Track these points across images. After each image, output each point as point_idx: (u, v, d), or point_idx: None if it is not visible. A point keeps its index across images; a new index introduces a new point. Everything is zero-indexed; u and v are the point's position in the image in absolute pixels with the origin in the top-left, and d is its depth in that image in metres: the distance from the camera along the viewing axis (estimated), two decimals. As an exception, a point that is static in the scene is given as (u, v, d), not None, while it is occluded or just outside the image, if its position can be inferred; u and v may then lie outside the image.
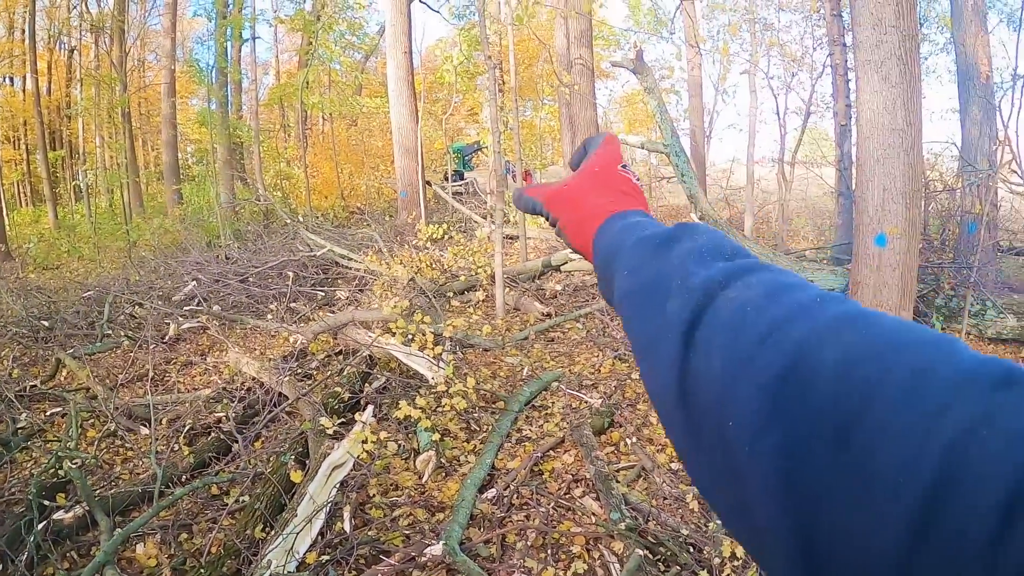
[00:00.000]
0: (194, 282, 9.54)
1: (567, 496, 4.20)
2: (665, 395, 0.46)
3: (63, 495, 4.17)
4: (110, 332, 7.94)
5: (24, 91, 24.44)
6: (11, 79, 25.80)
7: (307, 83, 18.86)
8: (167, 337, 7.64)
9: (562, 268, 9.82)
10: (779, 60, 17.38)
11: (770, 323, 0.40)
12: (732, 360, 0.40)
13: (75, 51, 24.53)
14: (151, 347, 7.16)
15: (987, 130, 9.54)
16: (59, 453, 4.41)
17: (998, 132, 9.27)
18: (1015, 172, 8.00)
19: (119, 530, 3.67)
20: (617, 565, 3.53)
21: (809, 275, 7.76)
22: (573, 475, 4.42)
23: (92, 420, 5.62)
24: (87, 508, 4.00)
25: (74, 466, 4.23)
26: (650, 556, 3.52)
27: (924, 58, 16.44)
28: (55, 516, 3.98)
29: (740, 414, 0.38)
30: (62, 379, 6.79)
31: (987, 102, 9.52)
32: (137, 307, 8.74)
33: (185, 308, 8.51)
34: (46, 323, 8.19)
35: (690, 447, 0.44)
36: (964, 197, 9.05)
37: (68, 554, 3.83)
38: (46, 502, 4.05)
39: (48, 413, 5.89)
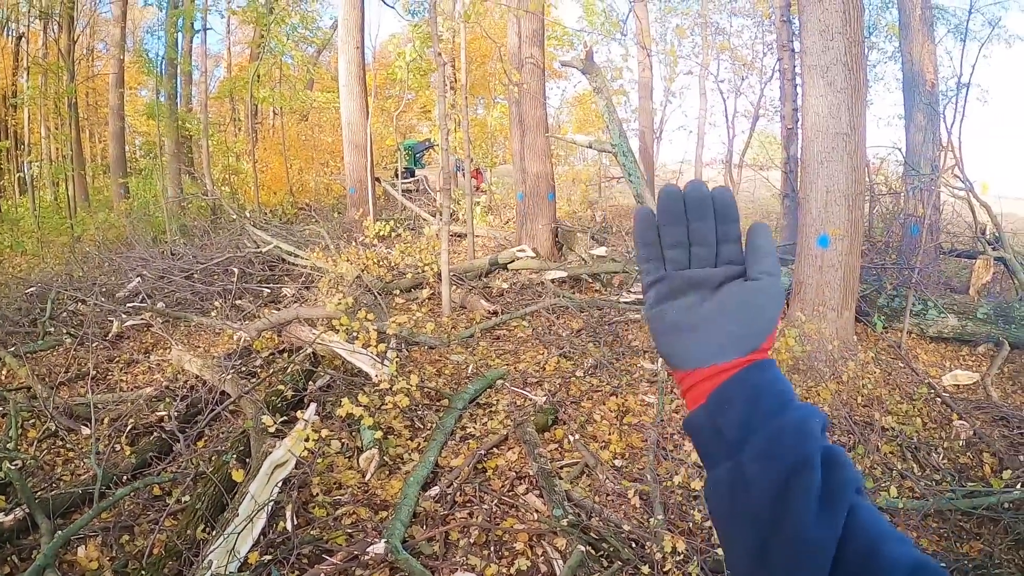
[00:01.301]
0: (139, 278, 9.35)
1: (510, 493, 4.26)
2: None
3: (2, 497, 4.09)
4: (52, 329, 7.75)
5: (-32, 80, 23.62)
6: (-45, 67, 24.88)
7: (258, 77, 18.56)
8: (110, 335, 7.49)
9: (509, 266, 9.89)
10: (729, 64, 17.72)
11: None
12: None
13: (23, 38, 23.75)
14: (93, 345, 7.03)
15: (931, 136, 9.87)
16: (-2, 454, 4.32)
17: (942, 138, 9.59)
18: (957, 177, 8.29)
19: (60, 532, 3.61)
20: (560, 561, 3.59)
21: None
22: (517, 472, 4.48)
23: (32, 420, 5.48)
24: (27, 510, 3.93)
25: (13, 467, 4.15)
26: (592, 552, 3.59)
27: (872, 65, 16.90)
28: (-6, 519, 3.90)
29: None
30: (2, 378, 6.60)
31: (932, 109, 9.84)
32: (80, 304, 8.53)
33: (129, 305, 8.33)
34: (-14, 320, 7.96)
35: None
36: (907, 200, 9.34)
37: (8, 558, 3.76)
38: (-15, 504, 3.97)
39: (-13, 413, 5.73)
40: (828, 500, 0.57)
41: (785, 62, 12.45)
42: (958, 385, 6.47)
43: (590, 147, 9.65)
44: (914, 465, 4.88)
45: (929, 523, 4.13)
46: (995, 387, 6.32)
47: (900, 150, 9.69)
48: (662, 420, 5.20)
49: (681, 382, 0.70)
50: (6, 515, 3.94)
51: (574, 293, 8.93)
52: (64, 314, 8.31)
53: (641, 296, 8.24)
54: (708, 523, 3.86)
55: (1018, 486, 4.40)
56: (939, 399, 5.98)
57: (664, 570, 3.42)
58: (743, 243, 0.71)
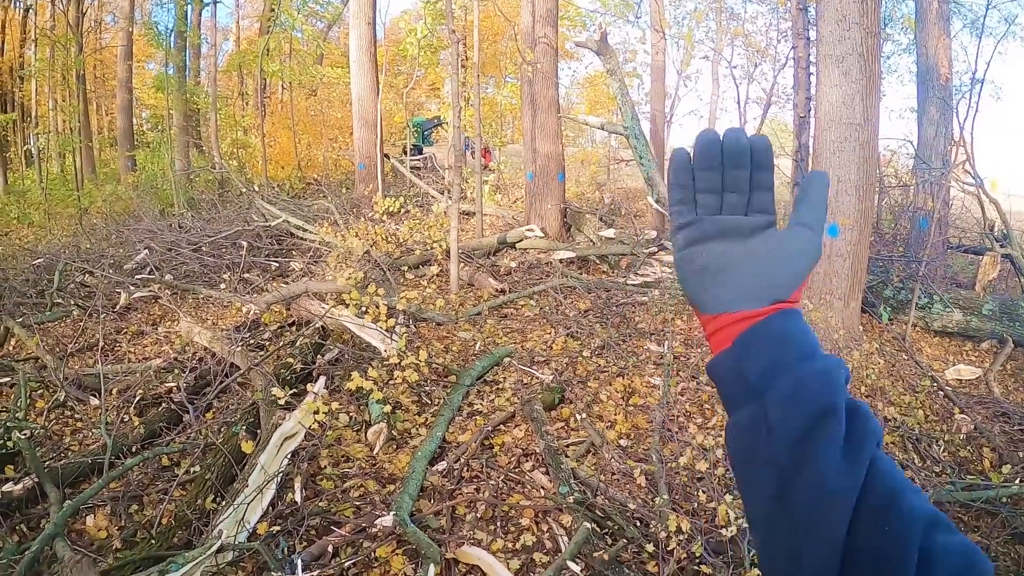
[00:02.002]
0: (146, 250, 9.36)
1: (517, 470, 4.28)
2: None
3: (11, 467, 4.12)
4: (60, 301, 7.77)
5: (-25, 51, 23.56)
6: (-38, 39, 24.80)
7: (268, 50, 18.48)
8: (118, 306, 7.51)
9: (517, 246, 9.89)
10: (743, 50, 17.59)
11: None
12: None
13: (31, 10, 23.64)
14: (102, 316, 7.04)
15: (943, 130, 9.82)
16: (7, 424, 4.33)
17: (954, 133, 9.54)
18: (968, 172, 8.24)
19: (69, 502, 3.63)
20: (565, 538, 3.62)
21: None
22: (523, 449, 4.50)
23: (41, 390, 5.50)
24: (36, 480, 3.96)
25: (23, 437, 4.16)
26: (598, 529, 3.62)
27: (886, 57, 16.76)
28: (3, 488, 3.93)
29: None
30: (10, 348, 6.64)
31: (945, 103, 9.78)
32: (88, 275, 8.55)
33: (137, 277, 8.35)
34: (-6, 291, 7.98)
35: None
36: (917, 194, 9.31)
37: (17, 527, 3.78)
38: (-5, 474, 4.00)
39: (-4, 383, 5.77)
40: (851, 449, 0.57)
41: (800, 50, 12.33)
42: (961, 379, 6.47)
43: (602, 128, 9.62)
44: (915, 456, 4.90)
45: (928, 514, 4.15)
46: (997, 383, 6.32)
47: (911, 143, 9.65)
48: (668, 402, 5.21)
49: (706, 326, 0.69)
50: (15, 484, 3.97)
51: (582, 274, 8.94)
52: (72, 286, 8.33)
53: (648, 279, 8.24)
54: (712, 504, 3.88)
55: (1017, 481, 4.42)
56: (941, 392, 5.99)
57: (668, 549, 3.44)
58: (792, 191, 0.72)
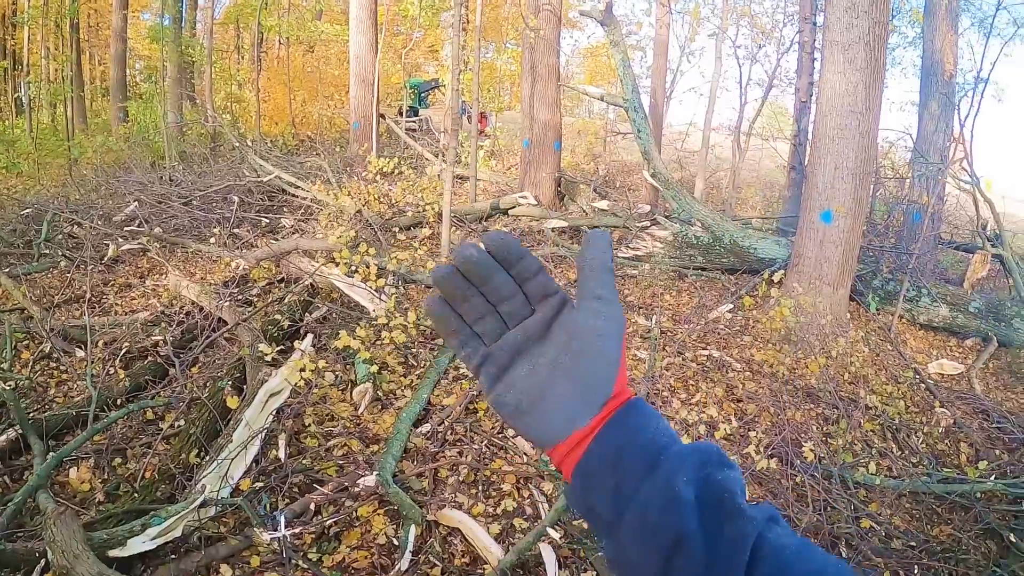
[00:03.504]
0: (136, 203, 9.28)
1: (500, 435, 4.31)
2: None
3: (-5, 418, 4.11)
4: (47, 251, 7.70)
5: (-34, -3, 23.09)
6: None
7: (266, 4, 18.20)
8: (106, 258, 7.45)
9: (510, 212, 9.87)
10: (748, 30, 17.42)
11: None
12: None
13: (26, -43, 23.17)
14: (89, 268, 7.00)
15: (943, 126, 9.80)
16: (-8, 374, 4.33)
17: (953, 130, 9.52)
18: (965, 170, 8.25)
19: (52, 454, 3.62)
20: (546, 504, 3.66)
21: (754, 242, 7.93)
22: (508, 416, 4.52)
23: (27, 341, 5.47)
24: (20, 431, 3.95)
25: (7, 388, 4.14)
26: (579, 510, 3.64)
27: (892, 49, 16.68)
28: (-13, 440, 3.92)
29: None
30: (-4, 299, 6.60)
31: (947, 99, 9.75)
32: (76, 226, 8.47)
33: (126, 229, 8.28)
34: (-19, 241, 7.91)
35: None
36: (913, 187, 9.33)
37: (0, 478, 3.78)
38: (-22, 425, 3.98)
39: (-19, 334, 5.73)
40: (720, 565, 0.52)
41: (805, 35, 12.28)
42: (943, 374, 6.54)
43: (602, 99, 9.54)
44: (893, 445, 4.96)
45: (903, 503, 4.23)
46: (979, 380, 6.38)
47: (910, 136, 9.63)
48: (653, 376, 5.24)
49: (552, 459, 0.62)
50: (-1, 436, 3.96)
51: (573, 244, 8.94)
52: (60, 236, 8.26)
53: (639, 253, 8.24)
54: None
55: (992, 478, 4.48)
56: (923, 385, 6.05)
57: (648, 519, 3.47)
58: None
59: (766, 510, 0.55)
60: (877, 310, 7.46)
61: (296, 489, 3.67)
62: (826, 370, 5.58)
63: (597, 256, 0.62)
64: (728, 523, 0.53)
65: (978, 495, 4.25)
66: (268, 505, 3.48)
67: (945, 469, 4.69)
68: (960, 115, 9.18)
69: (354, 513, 3.44)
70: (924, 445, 5.02)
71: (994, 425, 5.49)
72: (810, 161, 6.96)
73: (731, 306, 7.00)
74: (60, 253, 7.60)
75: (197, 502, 3.16)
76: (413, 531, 3.27)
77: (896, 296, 7.31)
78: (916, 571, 3.57)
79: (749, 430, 4.64)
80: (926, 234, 7.81)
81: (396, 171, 10.45)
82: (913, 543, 3.78)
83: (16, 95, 22.63)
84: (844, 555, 3.50)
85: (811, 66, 11.94)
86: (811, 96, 11.49)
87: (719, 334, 6.41)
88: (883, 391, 5.64)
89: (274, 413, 4.05)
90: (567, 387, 0.60)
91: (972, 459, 4.82)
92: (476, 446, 4.13)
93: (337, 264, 5.90)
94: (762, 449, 4.26)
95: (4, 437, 3.96)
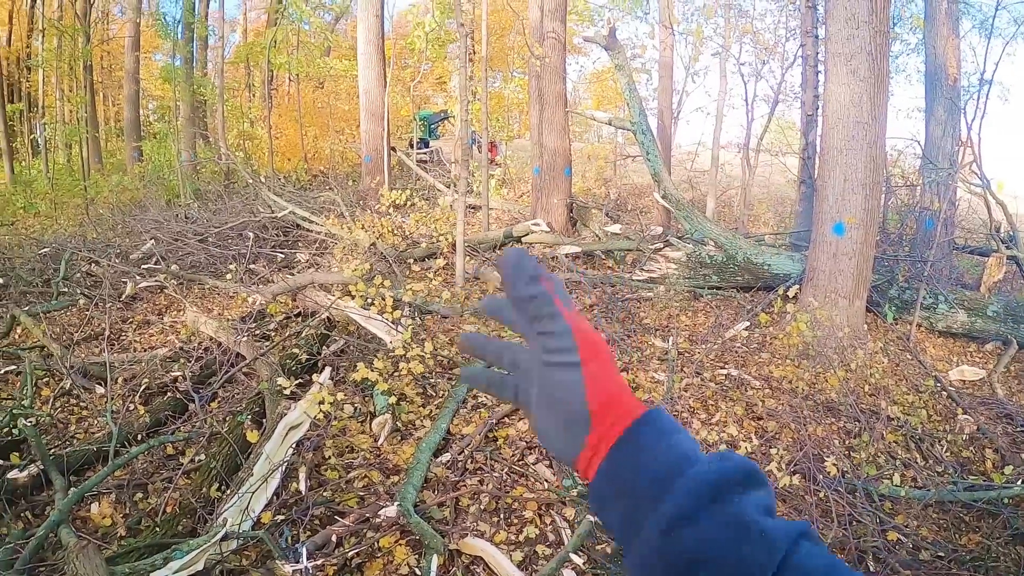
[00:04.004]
0: (152, 240, 9.39)
1: (520, 462, 4.29)
2: None
3: (17, 454, 4.13)
4: (66, 290, 7.80)
5: (-17, 40, 23.62)
6: (-30, 28, 24.85)
7: (275, 42, 18.50)
8: (124, 296, 7.54)
9: (523, 239, 9.88)
10: (751, 47, 17.53)
11: None
12: None
13: (38, 0, 23.67)
14: (108, 305, 7.07)
15: (951, 131, 9.80)
16: (13, 411, 4.36)
17: (961, 133, 9.51)
18: (975, 173, 8.21)
19: (74, 489, 3.64)
20: (568, 531, 3.63)
21: (768, 258, 7.92)
22: (527, 442, 4.51)
23: (47, 378, 5.54)
24: (42, 467, 3.97)
25: (29, 424, 4.18)
26: (600, 523, 3.62)
27: (894, 56, 16.73)
28: (9, 475, 3.94)
29: None
30: (16, 337, 6.66)
31: (953, 104, 9.76)
32: (94, 265, 8.58)
33: (143, 267, 8.38)
34: (0, 280, 8.01)
35: None
36: (923, 194, 9.29)
37: (22, 514, 3.80)
38: (0, 460, 4.01)
39: (2, 371, 5.78)
40: None
41: (808, 48, 12.34)
42: (964, 380, 6.46)
43: (609, 124, 9.60)
44: (917, 455, 4.90)
45: (930, 513, 4.16)
46: (1001, 385, 6.30)
47: (918, 143, 9.62)
48: (672, 397, 5.22)
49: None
50: (21, 471, 3.98)
51: (587, 269, 8.94)
52: (78, 275, 8.36)
53: (654, 275, 8.23)
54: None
55: (1019, 483, 4.39)
56: (945, 392, 5.98)
57: (670, 544, 3.44)
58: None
59: (796, 527, 0.53)
60: (895, 320, 7.40)
61: (317, 521, 3.67)
62: (846, 383, 5.53)
63: (513, 275, 0.61)
64: (747, 546, 0.51)
65: (1005, 501, 4.18)
66: (290, 537, 3.47)
67: (971, 476, 4.62)
68: (967, 118, 9.15)
69: (376, 544, 3.43)
70: (948, 453, 4.95)
71: (1019, 429, 5.40)
72: (820, 174, 6.96)
73: (747, 324, 6.97)
74: (79, 291, 7.69)
75: (219, 535, 3.16)
76: (435, 561, 3.25)
77: (913, 305, 7.25)
78: (947, 585, 3.51)
79: (770, 447, 4.60)
80: (940, 240, 7.75)
81: (409, 203, 10.54)
82: (942, 553, 3.72)
83: (32, 136, 23.05)
84: (872, 569, 3.45)
85: (815, 79, 11.97)
86: (817, 109, 11.51)
87: (737, 352, 6.38)
88: (904, 401, 5.58)
89: (294, 446, 4.06)
90: (552, 424, 0.61)
91: (998, 465, 4.74)
92: (497, 474, 4.12)
93: (353, 297, 5.93)
94: (784, 466, 4.22)
95: (26, 473, 3.98)
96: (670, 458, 0.57)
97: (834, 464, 4.28)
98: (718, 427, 4.83)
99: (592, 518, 3.54)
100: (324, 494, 3.86)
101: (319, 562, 3.27)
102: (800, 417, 4.93)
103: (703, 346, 6.37)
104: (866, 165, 6.38)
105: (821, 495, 4.09)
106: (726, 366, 6.00)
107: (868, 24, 6.22)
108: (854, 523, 3.85)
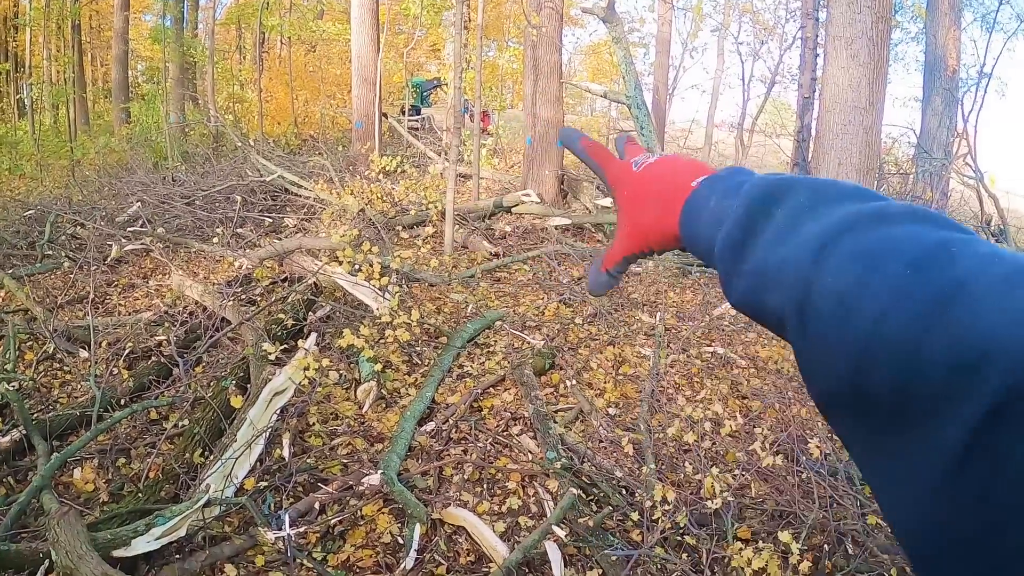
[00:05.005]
0: (139, 203, 9.28)
1: (505, 433, 4.30)
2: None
3: (-1, 418, 4.11)
4: (51, 252, 7.69)
5: (-31, 1, 23.16)
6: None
7: (267, 4, 18.20)
8: (109, 259, 7.45)
9: (513, 210, 9.84)
10: (750, 27, 17.43)
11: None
12: None
13: (27, -42, 23.22)
14: (92, 269, 6.99)
15: (947, 122, 9.80)
16: (-5, 375, 4.32)
17: (957, 125, 9.50)
18: (969, 165, 8.22)
19: (56, 454, 3.61)
20: (551, 503, 3.64)
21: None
22: (512, 413, 4.51)
23: (30, 342, 5.47)
24: (24, 432, 3.94)
25: (11, 389, 4.13)
26: (583, 496, 3.64)
27: (894, 44, 16.69)
28: (-9, 440, 3.92)
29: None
30: (0, 300, 6.61)
31: (950, 95, 9.75)
32: (79, 227, 8.47)
33: (129, 229, 8.28)
34: (-16, 242, 7.91)
35: None
36: (916, 183, 9.31)
37: (4, 479, 3.76)
38: (-19, 425, 3.98)
39: (-16, 335, 5.73)
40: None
41: (808, 30, 12.24)
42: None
43: (604, 96, 9.52)
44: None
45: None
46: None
47: (914, 132, 9.61)
48: (657, 373, 5.22)
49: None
50: (3, 436, 3.95)
51: (576, 241, 8.91)
52: (63, 237, 8.25)
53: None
54: (698, 476, 3.90)
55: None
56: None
57: (653, 518, 3.46)
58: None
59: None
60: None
61: (300, 488, 3.66)
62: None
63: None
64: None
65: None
66: (272, 504, 3.47)
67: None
68: (963, 110, 9.16)
69: (359, 512, 3.43)
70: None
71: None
72: (814, 157, 6.95)
73: (735, 302, 6.96)
74: (63, 254, 7.59)
75: (201, 502, 3.14)
76: (418, 530, 3.26)
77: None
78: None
79: (754, 427, 4.62)
80: (930, 231, 7.76)
81: (399, 170, 10.45)
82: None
83: (18, 97, 22.73)
84: (851, 552, 3.47)
85: (814, 62, 11.89)
86: (814, 92, 11.45)
87: (723, 331, 6.38)
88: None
89: (278, 412, 4.04)
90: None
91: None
92: (481, 444, 4.12)
93: (340, 263, 5.88)
94: (768, 446, 4.23)
95: (8, 438, 3.95)
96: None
97: (817, 446, 4.30)
98: (703, 404, 4.84)
99: (575, 491, 3.55)
100: (308, 461, 3.86)
101: (302, 529, 3.27)
102: (785, 398, 4.95)
103: (690, 323, 6.38)
104: (861, 151, 6.37)
105: (803, 476, 4.11)
106: (712, 344, 6.01)
107: (871, 9, 6.18)
108: (835, 505, 3.88)
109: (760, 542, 3.32)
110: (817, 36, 11.79)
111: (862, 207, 0.42)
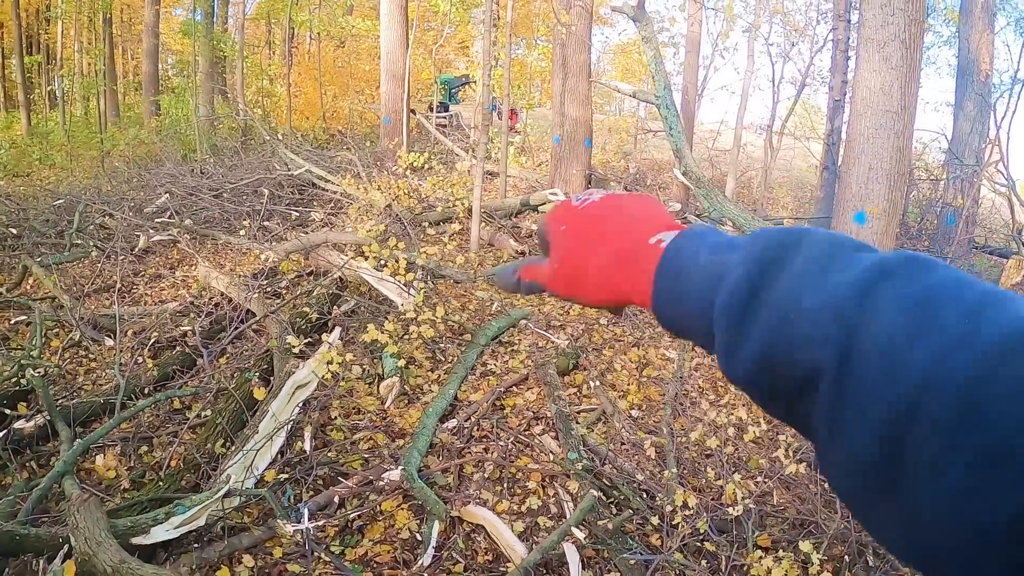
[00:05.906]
0: (167, 195, 9.36)
1: (527, 432, 4.27)
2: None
3: (24, 404, 4.15)
4: (79, 242, 7.77)
5: (2, -8, 23.55)
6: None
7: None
8: (136, 249, 7.52)
9: (540, 208, 9.80)
10: (781, 28, 17.24)
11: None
12: None
13: (58, -48, 23.57)
14: (120, 258, 7.06)
15: (979, 127, 9.61)
16: (22, 361, 4.35)
17: (989, 131, 9.33)
18: (1001, 173, 8.05)
19: (79, 441, 3.64)
20: (571, 504, 3.61)
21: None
22: (534, 413, 4.48)
23: (57, 329, 5.54)
24: (48, 417, 3.97)
25: (37, 375, 4.18)
26: (603, 498, 3.60)
27: (927, 48, 16.43)
28: (15, 425, 3.95)
29: None
30: (28, 287, 6.68)
31: (983, 100, 9.56)
32: (107, 217, 8.56)
33: (156, 220, 8.36)
34: (14, 230, 7.99)
35: None
36: (947, 189, 9.15)
37: (27, 463, 3.81)
38: (7, 410, 4.02)
39: (12, 321, 5.80)
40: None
41: (839, 32, 12.10)
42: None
43: (633, 96, 9.46)
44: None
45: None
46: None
47: (945, 137, 9.44)
48: (681, 376, 5.17)
49: None
50: (27, 421, 3.99)
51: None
52: (91, 227, 8.33)
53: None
54: (720, 482, 3.84)
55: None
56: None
57: (673, 523, 3.42)
58: None
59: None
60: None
61: (321, 481, 3.66)
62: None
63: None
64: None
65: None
66: (292, 497, 3.47)
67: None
68: (996, 116, 8.97)
69: (378, 507, 3.42)
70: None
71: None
72: (844, 161, 6.84)
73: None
74: (91, 243, 7.66)
75: (221, 492, 3.15)
76: (437, 527, 3.24)
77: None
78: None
79: (778, 434, 4.55)
80: (960, 237, 7.64)
81: (426, 166, 10.45)
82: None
83: (50, 88, 23.06)
84: (871, 564, 3.40)
85: (845, 64, 11.75)
86: (845, 95, 11.30)
87: (749, 335, 6.30)
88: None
89: (300, 405, 4.04)
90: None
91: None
92: (502, 443, 4.10)
93: (366, 258, 5.88)
94: (791, 453, 4.17)
95: (32, 423, 3.99)
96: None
97: (842, 453, 4.23)
98: (727, 409, 4.78)
99: (595, 493, 3.52)
100: (328, 455, 3.85)
101: (320, 523, 3.27)
102: (810, 403, 4.87)
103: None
104: (892, 155, 6.26)
105: (826, 485, 4.04)
106: (738, 348, 5.93)
107: (904, 12, 6.07)
108: (857, 516, 3.80)
109: (780, 551, 3.26)
110: (848, 38, 11.64)
111: (886, 255, 0.41)
